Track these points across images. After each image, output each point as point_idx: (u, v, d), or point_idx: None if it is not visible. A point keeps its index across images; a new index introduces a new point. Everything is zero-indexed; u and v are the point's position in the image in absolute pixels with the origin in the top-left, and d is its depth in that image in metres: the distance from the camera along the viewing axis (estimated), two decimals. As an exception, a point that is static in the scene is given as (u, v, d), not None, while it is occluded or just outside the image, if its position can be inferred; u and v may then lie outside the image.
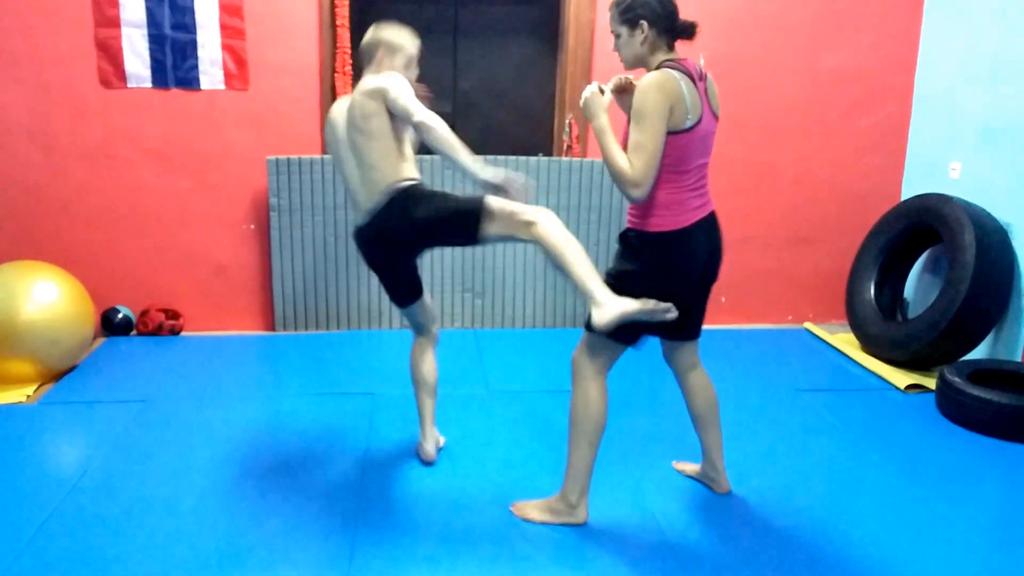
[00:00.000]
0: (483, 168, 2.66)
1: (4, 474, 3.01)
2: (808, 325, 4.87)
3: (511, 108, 4.87)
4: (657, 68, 2.45)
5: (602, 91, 2.54)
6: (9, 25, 4.14)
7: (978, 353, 4.15)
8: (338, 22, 4.31)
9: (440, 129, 2.66)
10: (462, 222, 2.72)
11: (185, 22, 4.23)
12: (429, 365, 3.13)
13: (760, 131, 4.71)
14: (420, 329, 3.14)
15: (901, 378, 4.00)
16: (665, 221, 2.49)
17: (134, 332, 4.52)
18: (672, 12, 2.50)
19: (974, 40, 4.27)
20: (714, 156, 4.59)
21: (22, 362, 3.70)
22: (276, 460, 3.14)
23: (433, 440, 3.15)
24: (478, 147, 4.84)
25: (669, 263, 2.53)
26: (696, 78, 2.46)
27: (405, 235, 2.82)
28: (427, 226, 2.77)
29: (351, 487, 2.94)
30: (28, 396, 3.68)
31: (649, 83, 2.38)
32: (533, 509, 2.76)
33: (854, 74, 4.67)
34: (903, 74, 4.71)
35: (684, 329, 2.74)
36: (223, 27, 4.26)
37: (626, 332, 2.56)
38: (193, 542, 2.60)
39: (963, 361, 3.84)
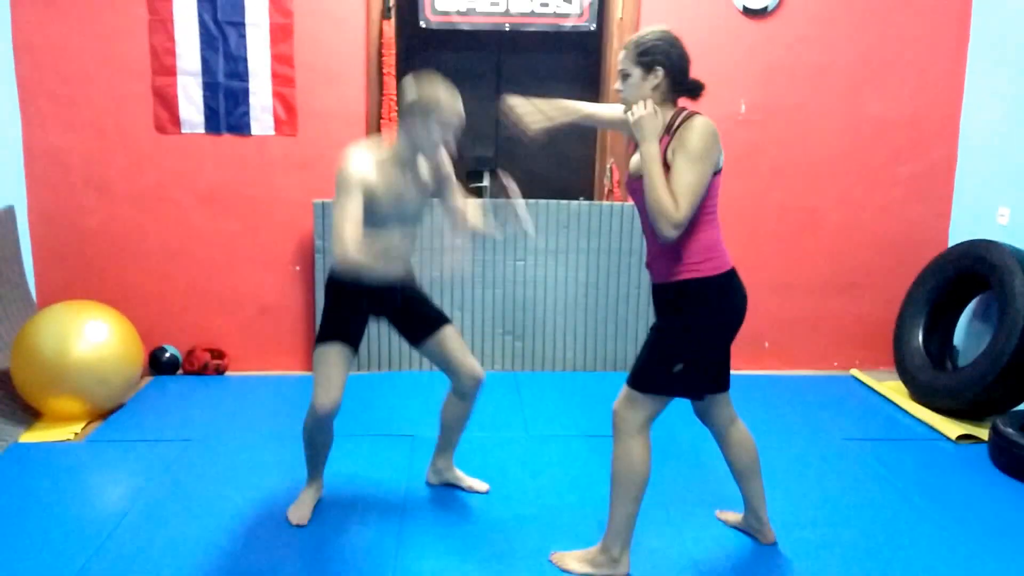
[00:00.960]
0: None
1: (51, 510, 3.05)
2: (855, 372, 4.79)
3: (552, 154, 4.91)
4: (684, 114, 2.44)
5: (656, 113, 2.44)
6: (70, 73, 4.30)
7: (1031, 403, 4.05)
8: (384, 70, 4.41)
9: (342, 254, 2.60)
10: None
11: (238, 70, 4.36)
12: (450, 408, 3.16)
13: (803, 178, 4.69)
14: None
15: (952, 428, 3.90)
16: (713, 265, 2.48)
17: (180, 371, 4.59)
18: (686, 68, 2.48)
19: (1020, 82, 4.22)
20: (758, 202, 4.67)
21: (71, 400, 3.77)
22: (316, 501, 3.15)
23: (435, 474, 3.26)
24: (520, 192, 4.90)
25: (726, 307, 2.53)
26: None
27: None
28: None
29: (390, 531, 2.94)
30: (76, 434, 3.75)
31: (709, 127, 2.37)
32: (574, 560, 2.70)
33: (899, 120, 4.64)
34: (949, 119, 4.67)
35: (721, 381, 2.71)
36: (274, 75, 4.38)
37: (695, 386, 2.55)
38: (233, 581, 2.61)
39: (1016, 411, 3.74)
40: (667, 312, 2.57)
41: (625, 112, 2.50)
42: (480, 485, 3.23)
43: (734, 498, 3.01)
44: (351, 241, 2.57)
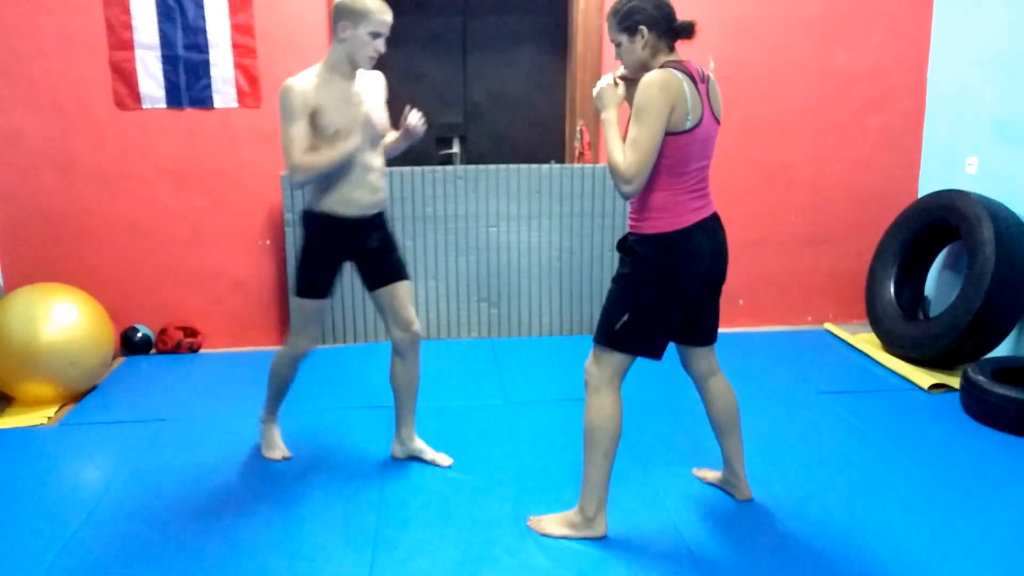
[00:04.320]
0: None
1: (26, 495, 3.03)
2: (828, 326, 4.83)
3: (522, 117, 4.87)
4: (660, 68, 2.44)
5: (616, 83, 2.56)
6: (26, 51, 4.19)
7: (1002, 350, 4.10)
8: (348, 37, 4.33)
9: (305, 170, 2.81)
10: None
11: (197, 42, 4.27)
12: (396, 372, 3.20)
13: (773, 132, 4.68)
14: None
15: (924, 377, 3.95)
16: (663, 223, 2.49)
17: (153, 351, 4.55)
18: (669, 14, 2.49)
19: (986, 33, 4.22)
20: (728, 158, 4.64)
21: (43, 384, 3.74)
22: (296, 476, 3.15)
23: (400, 446, 3.28)
24: (489, 156, 4.87)
25: (670, 264, 2.51)
26: (698, 80, 2.46)
27: None
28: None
29: (371, 502, 2.94)
30: (49, 418, 3.71)
31: (651, 81, 2.38)
32: (551, 523, 2.73)
33: (866, 72, 4.63)
34: (916, 70, 4.67)
35: (697, 333, 2.73)
36: (235, 46, 4.30)
37: (639, 343, 2.55)
38: (214, 560, 2.61)
39: (987, 359, 3.79)
40: (623, 260, 2.59)
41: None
42: (444, 459, 3.22)
43: (712, 455, 3.04)
44: (299, 156, 2.78)
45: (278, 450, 3.29)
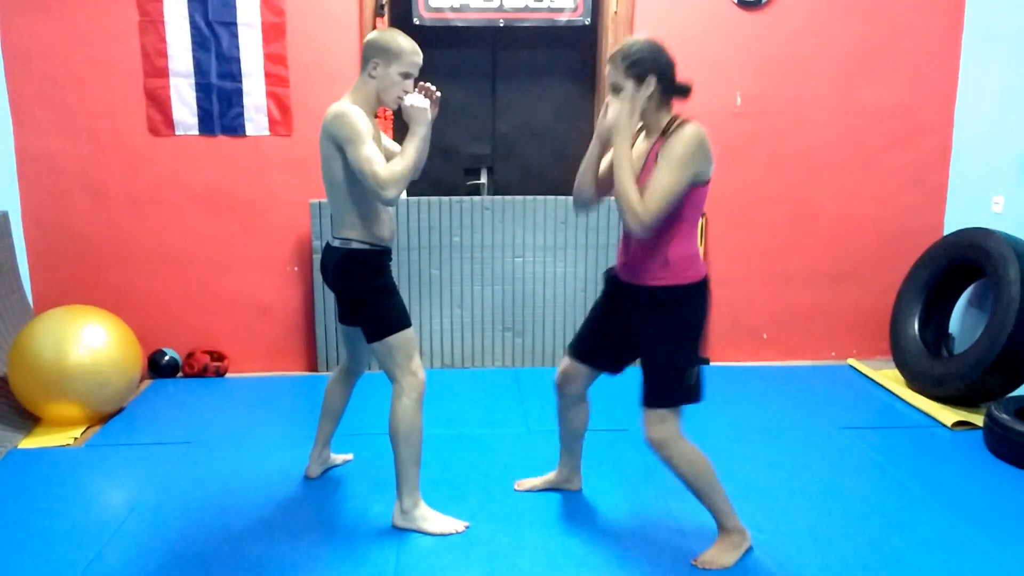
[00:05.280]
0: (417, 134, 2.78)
1: (52, 516, 3.06)
2: (852, 361, 4.81)
3: (549, 149, 4.91)
4: (679, 121, 2.50)
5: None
6: (62, 77, 4.29)
7: (1027, 389, 4.07)
8: (378, 68, 4.40)
9: (398, 179, 2.69)
10: (365, 326, 2.90)
11: (231, 71, 4.35)
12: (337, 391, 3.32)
13: (799, 168, 4.70)
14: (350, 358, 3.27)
15: (947, 415, 3.93)
16: (693, 272, 2.58)
17: (180, 374, 4.59)
18: (674, 71, 2.54)
19: (1014, 71, 4.23)
20: (753, 193, 4.69)
21: (71, 405, 3.78)
22: (316, 501, 3.17)
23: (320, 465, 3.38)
24: (516, 187, 4.90)
25: (703, 309, 2.61)
26: None
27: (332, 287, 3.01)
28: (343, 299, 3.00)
29: (391, 531, 2.95)
30: (76, 439, 3.75)
31: (695, 135, 2.43)
32: (721, 556, 2.73)
33: (892, 109, 4.65)
34: (943, 108, 4.68)
35: (616, 362, 2.89)
36: (267, 75, 4.38)
37: (699, 390, 2.62)
38: (239, 584, 2.62)
39: (1011, 397, 3.77)
40: (654, 317, 2.61)
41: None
42: (346, 456, 3.51)
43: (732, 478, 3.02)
44: (385, 170, 2.67)
45: (449, 522, 2.96)
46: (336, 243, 2.87)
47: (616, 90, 2.52)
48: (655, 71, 2.48)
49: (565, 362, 2.97)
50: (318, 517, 3.05)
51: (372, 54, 2.78)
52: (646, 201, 2.42)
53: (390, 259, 2.95)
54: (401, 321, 2.86)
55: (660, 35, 2.58)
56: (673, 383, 2.59)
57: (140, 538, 2.90)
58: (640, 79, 2.48)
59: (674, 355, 2.58)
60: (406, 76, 2.80)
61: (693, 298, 2.58)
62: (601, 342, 2.87)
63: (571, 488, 3.21)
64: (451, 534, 2.90)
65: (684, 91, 2.56)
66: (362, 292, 2.87)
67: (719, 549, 2.75)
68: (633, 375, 2.94)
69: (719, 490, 2.69)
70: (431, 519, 2.94)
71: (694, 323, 2.59)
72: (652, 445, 2.64)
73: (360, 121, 2.70)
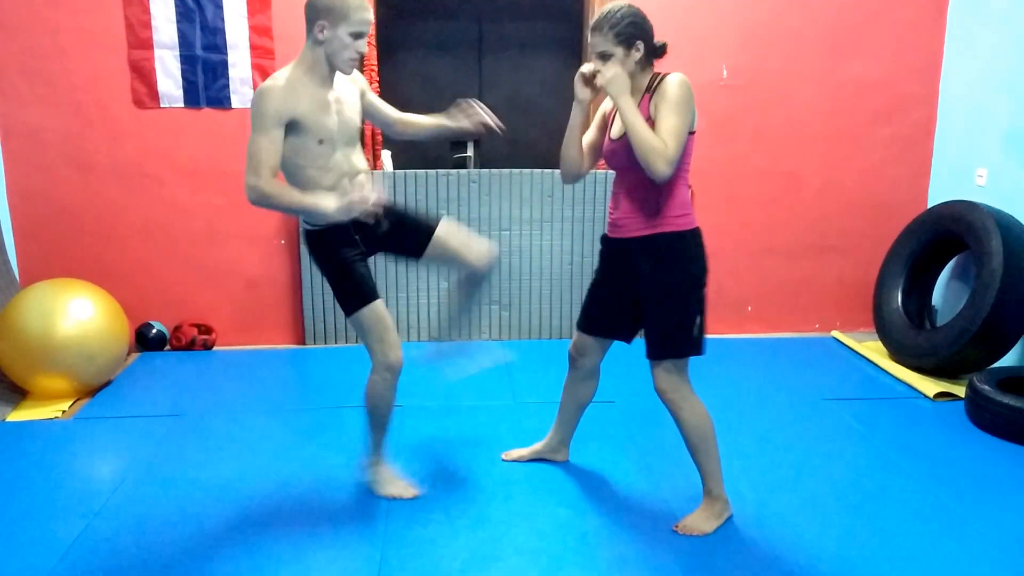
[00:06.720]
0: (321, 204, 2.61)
1: (40, 489, 3.08)
2: (835, 333, 4.86)
3: (535, 122, 4.91)
4: (660, 75, 2.59)
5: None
6: (45, 49, 4.25)
7: (1008, 360, 4.12)
8: (364, 40, 4.37)
9: (260, 197, 2.58)
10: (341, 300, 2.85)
11: (216, 43, 4.32)
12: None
13: (784, 141, 4.71)
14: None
15: (930, 386, 3.97)
16: (689, 219, 2.66)
17: (167, 347, 4.60)
18: (652, 32, 2.63)
19: (999, 45, 4.25)
20: (738, 166, 4.68)
21: (58, 378, 3.78)
22: (306, 473, 3.19)
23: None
24: (503, 161, 4.89)
25: (704, 256, 2.68)
26: None
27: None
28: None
29: (380, 501, 2.98)
30: (63, 412, 3.76)
31: (684, 81, 2.54)
32: (702, 522, 2.78)
33: (878, 82, 4.66)
34: (928, 81, 4.70)
35: (627, 331, 2.92)
36: (253, 47, 4.35)
37: (697, 344, 2.67)
38: (224, 556, 2.64)
39: (992, 368, 3.82)
40: (653, 265, 2.65)
41: (594, 80, 2.63)
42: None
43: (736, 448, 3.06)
44: (267, 177, 2.54)
45: (400, 486, 3.00)
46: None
47: (604, 57, 2.58)
48: (642, 36, 2.57)
49: (576, 335, 3.02)
50: (309, 487, 3.07)
51: (316, 16, 2.60)
52: (666, 142, 2.47)
53: (348, 234, 2.77)
54: (358, 301, 2.77)
55: (648, 8, 2.66)
56: (678, 334, 2.66)
57: (128, 511, 2.91)
58: (629, 45, 2.56)
59: (678, 305, 2.64)
60: (357, 36, 2.61)
61: (690, 246, 2.64)
62: (608, 312, 2.90)
63: (558, 459, 3.26)
64: (399, 498, 2.95)
65: (662, 51, 2.66)
66: (323, 271, 2.85)
67: (701, 516, 2.80)
68: (618, 348, 2.99)
69: (715, 453, 2.76)
70: (382, 481, 3.00)
71: (695, 272, 2.65)
72: (662, 394, 2.72)
73: (269, 104, 2.55)
